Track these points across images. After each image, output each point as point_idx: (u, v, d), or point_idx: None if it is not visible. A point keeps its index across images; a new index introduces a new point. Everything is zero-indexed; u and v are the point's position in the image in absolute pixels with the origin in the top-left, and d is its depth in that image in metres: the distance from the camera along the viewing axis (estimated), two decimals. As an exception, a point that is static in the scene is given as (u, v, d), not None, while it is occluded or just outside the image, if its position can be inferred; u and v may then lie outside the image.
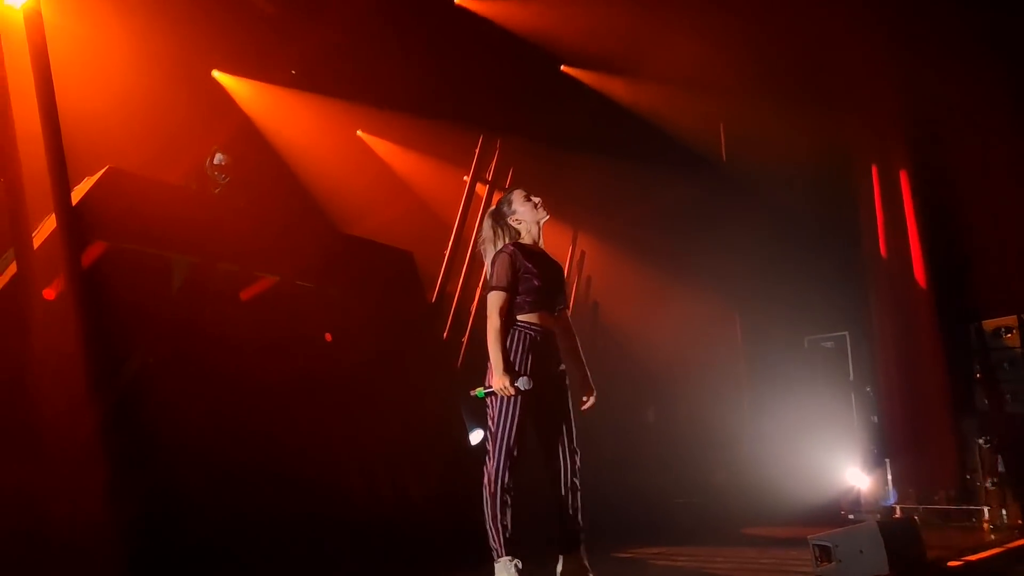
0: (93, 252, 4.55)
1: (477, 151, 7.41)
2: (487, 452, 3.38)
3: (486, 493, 3.32)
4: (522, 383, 3.26)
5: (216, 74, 7.54)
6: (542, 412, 3.45)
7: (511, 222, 3.61)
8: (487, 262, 3.59)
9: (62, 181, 4.25)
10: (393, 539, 4.95)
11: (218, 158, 5.87)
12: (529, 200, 3.62)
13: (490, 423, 3.38)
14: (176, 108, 6.28)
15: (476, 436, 6.16)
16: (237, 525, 4.40)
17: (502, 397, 3.31)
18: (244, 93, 7.73)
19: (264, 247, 5.44)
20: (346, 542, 4.73)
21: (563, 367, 3.56)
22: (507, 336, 3.39)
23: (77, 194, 4.51)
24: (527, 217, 3.59)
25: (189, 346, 4.86)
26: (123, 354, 4.54)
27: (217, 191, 5.86)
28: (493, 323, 3.37)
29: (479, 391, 3.35)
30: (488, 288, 3.48)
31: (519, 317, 3.44)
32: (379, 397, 5.69)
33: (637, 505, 6.93)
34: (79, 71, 5.14)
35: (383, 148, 8.64)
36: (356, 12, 7.15)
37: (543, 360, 3.44)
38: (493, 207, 3.75)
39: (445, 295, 6.92)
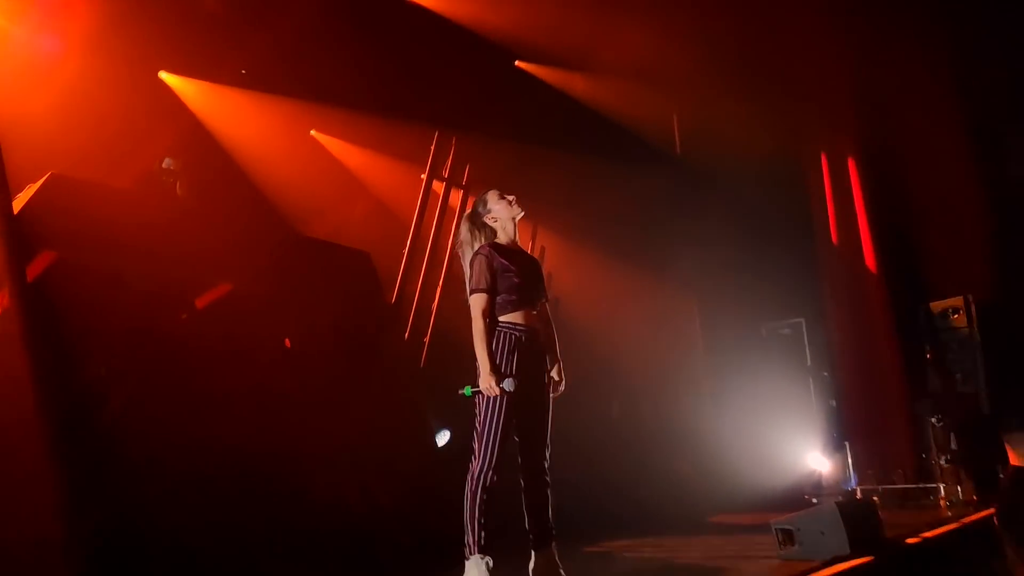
0: (38, 262, 4.39)
1: (432, 148, 7.35)
2: (472, 451, 3.42)
3: (467, 489, 3.38)
4: (507, 384, 3.34)
5: (163, 75, 7.35)
6: (525, 411, 3.50)
7: (487, 220, 3.66)
8: (465, 265, 3.63)
9: (2, 189, 4.08)
10: (362, 545, 4.89)
11: (167, 163, 5.71)
12: (503, 198, 3.68)
13: (477, 422, 3.43)
14: (122, 111, 6.09)
15: (443, 437, 6.12)
16: (198, 537, 4.30)
17: (488, 397, 3.38)
18: (193, 94, 7.54)
19: (218, 252, 5.31)
20: (314, 550, 4.66)
21: (546, 363, 3.62)
22: (492, 336, 3.44)
23: (19, 203, 4.34)
24: (502, 214, 3.65)
25: (144, 356, 4.73)
26: (75, 366, 4.40)
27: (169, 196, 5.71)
28: (477, 325, 3.44)
29: (466, 389, 3.42)
30: (469, 291, 3.52)
31: (503, 318, 3.50)
32: (342, 401, 5.62)
33: (604, 499, 6.95)
34: (18, 73, 4.95)
35: (337, 147, 8.51)
36: (306, 9, 7.03)
37: (528, 359, 3.50)
38: (469, 210, 3.80)
39: (405, 295, 6.86)
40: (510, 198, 3.67)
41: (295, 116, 8.02)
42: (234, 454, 4.68)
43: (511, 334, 3.48)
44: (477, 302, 3.47)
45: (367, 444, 5.52)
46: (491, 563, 3.33)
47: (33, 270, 4.33)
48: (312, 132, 8.47)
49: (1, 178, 4.10)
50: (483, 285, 3.47)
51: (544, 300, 3.71)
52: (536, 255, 9.18)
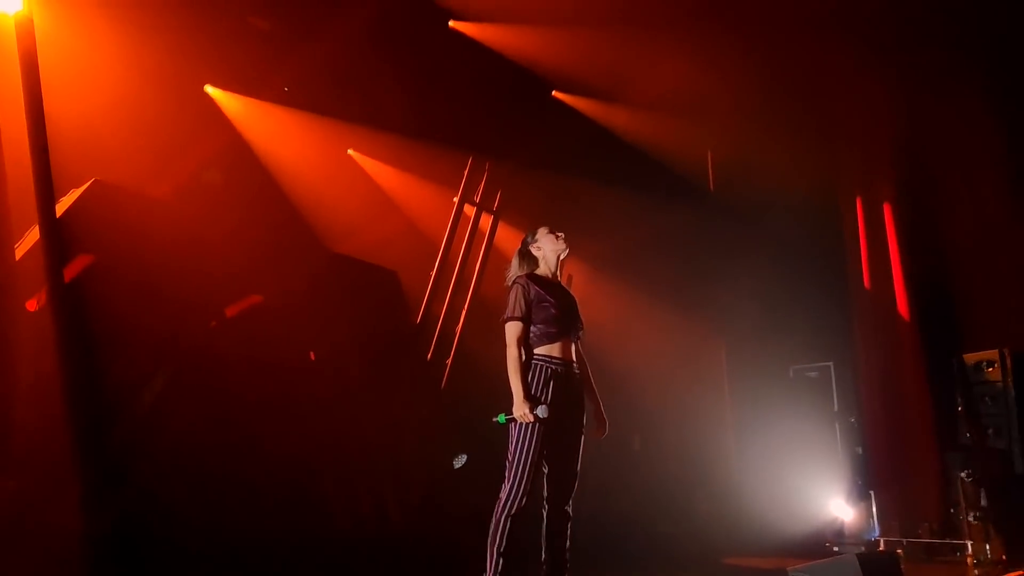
0: (77, 265, 4.51)
1: (466, 173, 7.42)
2: (504, 477, 3.43)
3: (495, 517, 3.40)
4: (541, 411, 3.36)
5: (208, 89, 7.53)
6: (557, 442, 3.50)
7: (531, 250, 3.72)
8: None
9: (47, 192, 4.21)
10: (373, 560, 4.89)
11: (209, 175, 5.84)
12: (552, 233, 3.74)
13: (509, 449, 3.45)
14: (166, 122, 6.24)
15: (459, 461, 6.10)
16: (216, 538, 4.35)
17: (522, 424, 3.40)
18: (236, 109, 7.70)
19: (251, 264, 5.41)
20: (325, 560, 4.67)
21: (582, 397, 3.64)
22: (527, 366, 3.47)
23: (62, 206, 4.47)
24: (546, 247, 3.70)
25: (172, 361, 4.81)
26: (105, 368, 4.49)
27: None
28: (512, 353, 3.46)
29: (500, 417, 3.44)
30: (504, 319, 3.56)
31: (539, 350, 3.52)
32: (362, 417, 5.65)
33: (621, 533, 6.87)
34: (69, 81, 5.10)
35: (373, 168, 8.62)
36: (350, 31, 7.17)
37: (563, 391, 3.50)
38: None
39: (430, 316, 6.89)
40: (559, 234, 3.72)
41: (334, 135, 8.14)
42: (253, 460, 4.74)
43: (547, 367, 3.49)
44: (511, 330, 3.50)
45: (382, 460, 5.54)
46: (505, 591, 3.32)
47: (71, 271, 4.44)
48: (350, 151, 8.60)
49: (47, 181, 4.23)
50: (518, 313, 3.50)
51: (581, 334, 3.72)
52: (565, 284, 9.23)
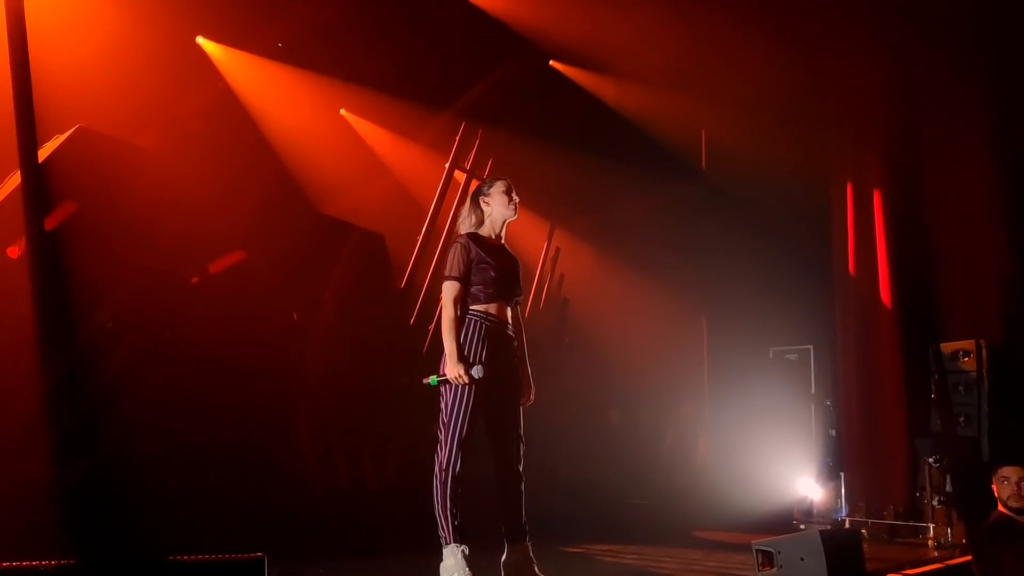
0: (58, 212, 4.47)
1: (458, 138, 7.38)
2: (438, 440, 3.40)
3: (436, 481, 3.36)
4: (476, 371, 3.31)
5: (200, 40, 7.42)
6: (494, 401, 3.47)
7: (480, 202, 3.60)
8: None
9: (29, 137, 4.15)
10: (347, 524, 4.93)
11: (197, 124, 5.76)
12: (506, 194, 3.59)
13: (442, 412, 3.40)
14: (156, 71, 6.15)
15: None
16: (188, 498, 4.36)
17: (455, 386, 3.34)
18: (228, 62, 7.61)
19: (236, 220, 5.38)
20: (298, 523, 4.71)
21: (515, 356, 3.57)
22: (462, 325, 3.41)
23: (44, 152, 4.42)
24: (496, 208, 3.58)
25: (151, 315, 4.80)
26: (82, 319, 4.47)
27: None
28: (447, 312, 3.41)
29: (432, 379, 3.38)
30: (443, 278, 3.49)
31: (474, 307, 3.46)
32: (341, 380, 5.67)
33: (593, 502, 6.97)
34: (57, 24, 5.02)
35: (365, 129, 8.56)
36: (347, -11, 7.07)
37: (497, 349, 3.46)
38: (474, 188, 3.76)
39: (415, 281, 6.90)
40: (514, 198, 3.59)
41: (326, 93, 8.06)
42: (228, 419, 4.75)
43: (482, 323, 3.43)
44: (448, 289, 3.43)
45: (359, 424, 5.57)
46: (467, 551, 3.34)
47: (52, 219, 4.40)
48: (342, 111, 8.53)
49: (30, 127, 4.17)
50: (455, 273, 3.42)
51: (519, 299, 3.66)
52: (551, 256, 9.25)
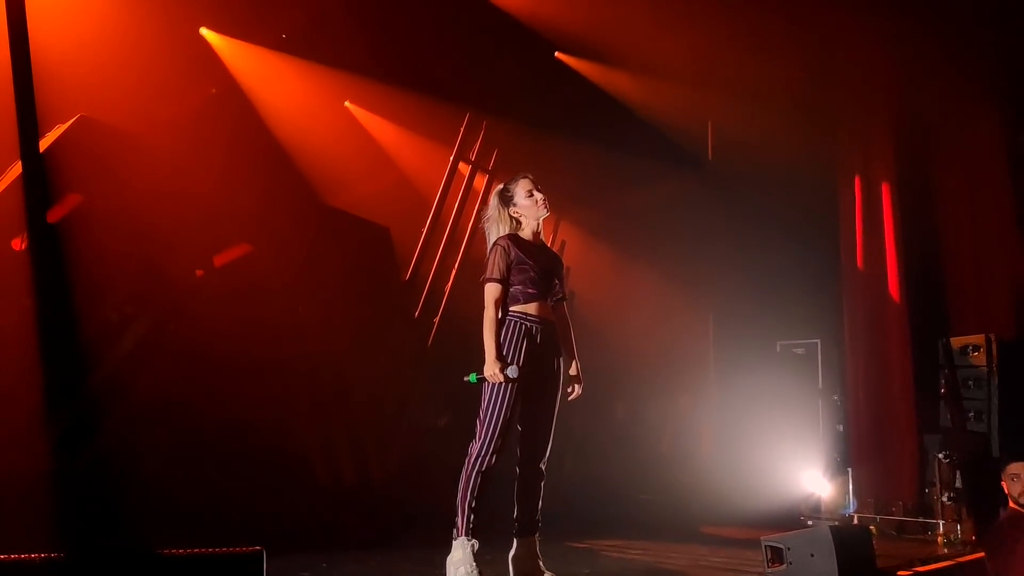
0: (61, 204, 4.43)
1: (462, 130, 7.32)
2: (474, 433, 3.44)
3: (464, 472, 3.41)
4: (512, 371, 3.37)
5: (204, 31, 7.37)
6: (531, 401, 3.52)
7: (511, 214, 3.65)
8: (489, 243, 3.65)
9: (31, 126, 4.11)
10: (353, 518, 4.90)
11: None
12: (532, 196, 3.64)
13: (481, 407, 3.45)
14: (159, 61, 6.11)
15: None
16: (192, 491, 4.33)
17: (493, 384, 3.40)
18: (231, 53, 7.56)
19: (241, 213, 5.34)
20: (304, 517, 4.68)
21: (559, 358, 3.63)
22: (502, 326, 3.48)
23: (46, 142, 4.38)
24: (528, 214, 3.64)
25: (155, 307, 4.77)
26: (85, 310, 4.44)
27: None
28: (488, 313, 3.47)
29: (471, 376, 3.44)
30: (483, 280, 3.54)
31: (514, 308, 3.52)
32: (346, 373, 5.63)
33: (598, 498, 6.93)
34: (59, 12, 4.97)
35: (369, 121, 8.51)
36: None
37: (538, 349, 3.51)
38: (500, 186, 3.76)
39: (419, 274, 6.86)
40: (539, 197, 3.63)
41: (331, 85, 8.01)
42: (232, 411, 4.72)
43: (521, 324, 3.49)
44: (489, 291, 3.49)
45: (366, 418, 5.53)
46: (476, 546, 3.36)
47: (55, 211, 4.37)
48: (346, 103, 8.47)
49: (31, 116, 4.14)
50: (496, 275, 3.49)
51: (561, 298, 3.70)
52: (556, 249, 9.20)
